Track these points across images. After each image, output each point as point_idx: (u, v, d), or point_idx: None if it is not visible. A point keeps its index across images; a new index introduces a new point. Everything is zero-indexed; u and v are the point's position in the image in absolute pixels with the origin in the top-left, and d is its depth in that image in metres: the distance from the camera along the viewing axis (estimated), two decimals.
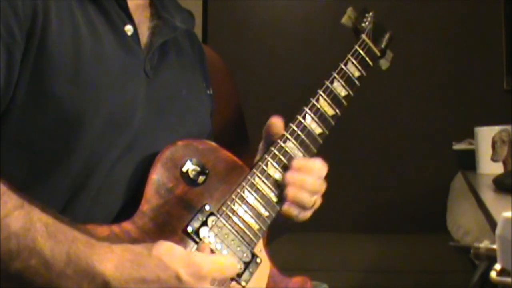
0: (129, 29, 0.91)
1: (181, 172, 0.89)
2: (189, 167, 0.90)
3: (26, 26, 0.80)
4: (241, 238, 0.90)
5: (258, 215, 0.93)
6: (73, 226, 0.75)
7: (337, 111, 1.06)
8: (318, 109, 1.03)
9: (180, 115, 0.98)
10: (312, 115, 1.03)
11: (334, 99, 1.06)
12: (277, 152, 0.97)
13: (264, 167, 0.95)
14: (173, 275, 0.73)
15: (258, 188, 0.94)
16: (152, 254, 0.75)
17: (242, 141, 1.53)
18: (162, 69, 0.96)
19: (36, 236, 0.71)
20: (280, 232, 2.11)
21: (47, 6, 0.82)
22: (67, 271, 0.71)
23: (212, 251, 0.86)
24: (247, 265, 0.90)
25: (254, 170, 0.95)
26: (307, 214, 0.99)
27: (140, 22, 0.95)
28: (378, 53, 1.16)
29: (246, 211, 0.92)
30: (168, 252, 0.75)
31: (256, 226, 0.92)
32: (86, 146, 0.84)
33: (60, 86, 0.82)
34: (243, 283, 0.88)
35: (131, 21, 0.92)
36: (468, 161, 1.99)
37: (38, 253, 0.71)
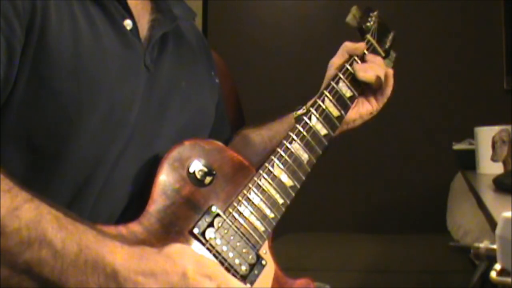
0: (128, 23, 0.92)
1: (188, 172, 0.89)
2: (196, 167, 0.89)
3: (26, 21, 0.81)
4: (246, 240, 0.90)
5: (263, 217, 0.93)
6: (82, 220, 0.76)
7: (342, 112, 1.06)
8: (323, 109, 1.03)
9: (180, 107, 0.98)
10: (317, 115, 1.02)
11: (339, 99, 1.06)
12: (283, 153, 0.97)
13: (270, 168, 0.95)
14: (181, 271, 0.74)
15: (264, 190, 0.94)
16: (162, 251, 0.75)
17: None
18: (162, 62, 0.97)
19: (47, 227, 0.71)
20: (281, 232, 2.12)
21: (46, 1, 0.83)
22: (77, 261, 0.71)
23: (218, 253, 0.87)
24: (252, 267, 0.90)
25: (260, 171, 0.95)
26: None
27: (140, 16, 0.95)
28: (383, 53, 1.16)
29: (252, 213, 0.92)
30: (178, 251, 0.76)
31: (261, 228, 0.92)
32: (86, 140, 0.84)
33: (59, 80, 0.82)
34: (248, 285, 0.88)
35: (130, 15, 0.92)
36: (468, 161, 1.98)
37: (49, 243, 0.71)
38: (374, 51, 1.13)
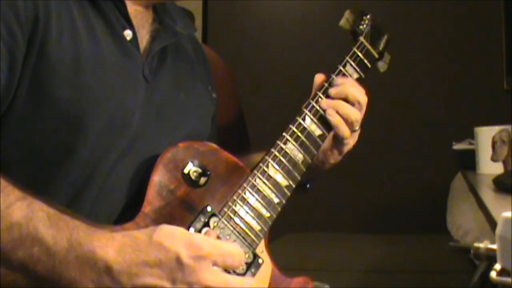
0: (128, 34, 0.92)
1: (183, 173, 0.89)
2: (191, 168, 0.90)
3: (28, 30, 0.81)
4: (242, 239, 0.90)
5: (259, 216, 0.93)
6: (74, 215, 0.76)
7: None
8: (317, 110, 1.04)
9: (178, 118, 0.99)
10: (311, 116, 1.03)
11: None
12: (277, 154, 0.98)
13: (265, 168, 0.96)
14: (174, 257, 0.73)
15: (259, 189, 0.94)
16: (153, 239, 0.75)
17: (243, 141, 1.54)
18: (161, 74, 0.97)
19: (38, 225, 0.72)
20: (281, 232, 2.11)
21: (48, 10, 0.83)
22: (69, 257, 0.72)
23: None
24: (249, 265, 0.90)
25: (255, 171, 0.95)
26: (355, 136, 1.07)
27: (140, 27, 0.96)
28: (376, 56, 1.17)
29: (247, 212, 0.92)
30: (168, 235, 0.75)
31: (257, 227, 0.92)
32: (86, 148, 0.85)
33: (59, 88, 0.82)
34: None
35: (131, 26, 0.93)
36: (468, 161, 1.99)
37: (40, 241, 0.71)
38: (367, 53, 1.14)
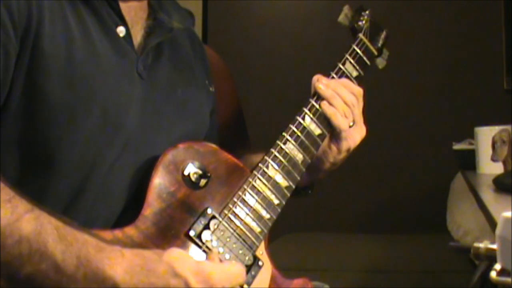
0: (121, 30, 0.91)
1: (183, 175, 0.89)
2: (191, 170, 0.89)
3: (21, 28, 0.81)
4: (243, 241, 0.90)
5: (259, 218, 0.93)
6: (83, 229, 0.75)
7: None
8: (317, 109, 1.03)
9: (176, 115, 0.98)
10: (311, 116, 1.02)
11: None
12: (277, 154, 0.97)
13: (265, 169, 0.95)
14: (183, 282, 0.73)
15: (259, 191, 0.94)
16: (163, 260, 0.74)
17: (243, 141, 1.53)
18: (157, 70, 0.96)
19: (47, 239, 0.71)
20: (280, 232, 2.11)
21: (41, 8, 0.83)
22: (77, 275, 0.71)
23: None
24: (249, 268, 0.90)
25: (255, 172, 0.95)
26: (354, 134, 1.05)
27: (134, 23, 0.95)
28: (375, 52, 1.16)
29: (247, 214, 0.92)
30: (178, 259, 0.75)
31: (257, 229, 0.92)
32: (81, 146, 0.84)
33: (53, 86, 0.82)
34: (245, 286, 0.88)
35: (123, 22, 0.92)
36: (468, 161, 1.98)
37: (49, 256, 0.70)
38: (366, 50, 1.13)
